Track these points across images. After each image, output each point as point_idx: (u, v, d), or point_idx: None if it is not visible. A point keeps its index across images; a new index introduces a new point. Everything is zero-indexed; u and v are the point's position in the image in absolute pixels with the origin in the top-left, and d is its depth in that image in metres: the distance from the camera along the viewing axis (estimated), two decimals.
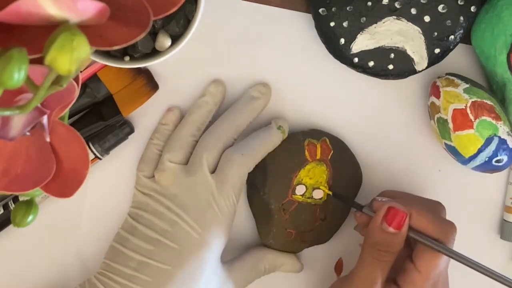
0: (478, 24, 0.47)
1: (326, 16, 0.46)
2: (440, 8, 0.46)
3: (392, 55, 0.47)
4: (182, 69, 0.48)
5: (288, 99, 0.49)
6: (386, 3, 0.46)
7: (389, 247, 0.42)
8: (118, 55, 0.42)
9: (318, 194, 0.48)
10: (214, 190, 0.44)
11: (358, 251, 0.44)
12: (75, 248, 0.49)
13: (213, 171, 0.45)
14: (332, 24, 0.46)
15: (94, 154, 0.46)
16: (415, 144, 0.51)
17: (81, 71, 0.44)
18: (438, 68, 0.49)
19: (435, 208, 0.45)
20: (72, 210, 0.49)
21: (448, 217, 0.44)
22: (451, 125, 0.46)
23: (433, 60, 0.47)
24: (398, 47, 0.46)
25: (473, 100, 0.45)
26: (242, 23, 0.48)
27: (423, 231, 0.42)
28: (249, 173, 0.46)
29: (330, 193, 0.48)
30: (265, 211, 0.48)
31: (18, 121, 0.29)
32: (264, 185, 0.47)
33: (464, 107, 0.45)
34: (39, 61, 0.26)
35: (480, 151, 0.45)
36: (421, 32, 0.46)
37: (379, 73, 0.47)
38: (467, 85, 0.46)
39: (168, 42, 0.42)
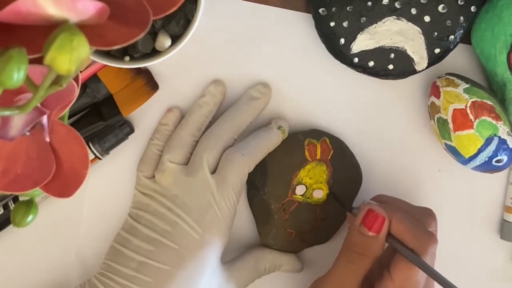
0: (478, 24, 0.47)
1: (326, 16, 0.46)
2: (440, 8, 0.46)
3: (392, 55, 0.47)
4: (182, 69, 0.48)
5: (288, 99, 0.49)
6: (386, 3, 0.46)
7: (365, 251, 0.41)
8: (118, 55, 0.42)
9: (318, 194, 0.48)
10: (215, 191, 0.44)
11: None
12: (75, 248, 0.49)
13: (213, 171, 0.45)
14: (332, 24, 0.46)
15: (94, 154, 0.46)
16: (415, 144, 0.51)
17: (81, 71, 0.44)
18: (438, 68, 0.49)
19: (422, 218, 0.43)
20: (72, 210, 0.49)
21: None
22: (451, 125, 0.46)
23: (433, 60, 0.47)
24: (398, 47, 0.46)
25: (473, 100, 0.45)
26: (242, 23, 0.48)
27: (400, 239, 0.41)
28: (249, 173, 0.46)
29: (327, 192, 0.48)
30: (265, 211, 0.48)
31: (17, 121, 0.29)
32: (264, 185, 0.47)
33: (464, 107, 0.45)
34: (39, 61, 0.26)
35: (480, 151, 0.45)
36: (421, 32, 0.46)
37: (379, 73, 0.47)
38: (467, 85, 0.46)
39: (168, 42, 0.42)
